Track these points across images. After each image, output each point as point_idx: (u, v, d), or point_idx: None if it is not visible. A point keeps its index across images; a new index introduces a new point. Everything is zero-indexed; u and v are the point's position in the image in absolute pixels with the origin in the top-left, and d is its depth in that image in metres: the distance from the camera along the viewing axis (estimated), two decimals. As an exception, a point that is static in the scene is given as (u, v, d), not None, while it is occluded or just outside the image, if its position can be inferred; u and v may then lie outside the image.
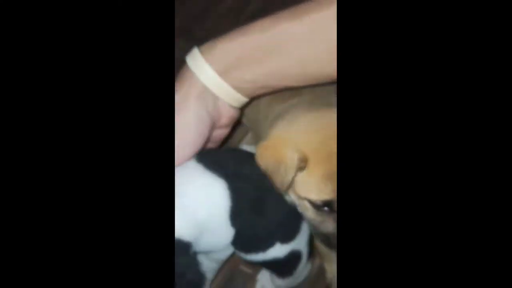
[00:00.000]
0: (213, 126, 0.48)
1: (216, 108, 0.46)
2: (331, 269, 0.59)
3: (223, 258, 0.55)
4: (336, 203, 0.45)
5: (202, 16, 0.84)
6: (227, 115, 0.48)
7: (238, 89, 0.46)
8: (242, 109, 0.51)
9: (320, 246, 0.56)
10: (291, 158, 0.45)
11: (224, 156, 0.50)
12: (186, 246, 0.45)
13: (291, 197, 0.48)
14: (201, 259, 0.56)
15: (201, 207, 0.46)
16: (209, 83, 0.45)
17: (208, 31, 0.82)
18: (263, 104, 0.55)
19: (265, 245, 0.49)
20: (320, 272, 0.62)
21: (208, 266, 0.57)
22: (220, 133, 0.52)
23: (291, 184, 0.46)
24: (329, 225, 0.47)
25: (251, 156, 0.50)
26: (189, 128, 0.45)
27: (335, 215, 0.46)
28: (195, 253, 0.47)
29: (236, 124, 0.54)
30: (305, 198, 0.46)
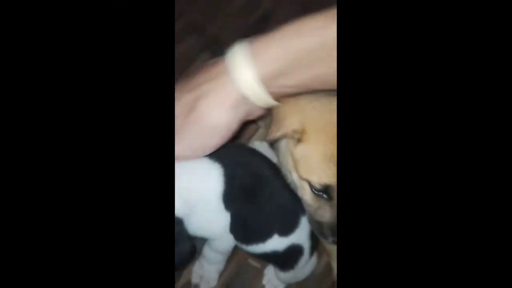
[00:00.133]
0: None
1: (247, 113, 0.45)
2: (338, 267, 0.60)
3: (226, 249, 0.56)
4: (335, 191, 0.46)
5: (214, 13, 0.84)
6: (254, 115, 0.47)
7: (277, 95, 0.43)
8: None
9: (327, 244, 0.56)
10: (289, 124, 0.46)
11: (225, 146, 0.51)
12: (177, 220, 0.46)
13: (293, 176, 0.49)
14: (206, 251, 0.57)
15: (194, 187, 0.47)
16: (250, 93, 0.42)
17: (220, 28, 0.83)
18: None
19: (263, 236, 0.50)
20: (327, 269, 0.62)
21: (213, 257, 0.58)
22: None
23: (295, 164, 0.47)
24: (325, 214, 0.48)
25: (252, 150, 0.51)
26: (217, 135, 0.44)
27: (332, 203, 0.47)
28: (186, 229, 0.48)
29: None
30: (306, 179, 0.47)
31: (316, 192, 0.47)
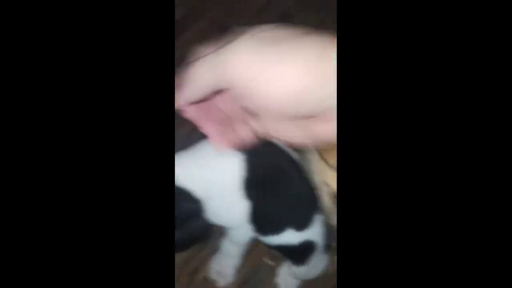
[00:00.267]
0: None
1: None
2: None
3: (243, 241, 0.57)
4: None
5: (238, 12, 0.85)
6: None
7: None
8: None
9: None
10: None
11: None
12: (196, 200, 0.48)
13: (315, 177, 0.49)
14: (223, 244, 0.59)
15: (215, 171, 0.49)
16: None
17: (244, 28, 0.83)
18: None
19: (279, 228, 0.51)
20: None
21: (230, 250, 0.59)
22: None
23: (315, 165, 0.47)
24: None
25: (272, 142, 0.52)
26: None
27: None
28: (202, 209, 0.49)
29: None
30: (324, 182, 0.47)
31: (332, 196, 0.47)
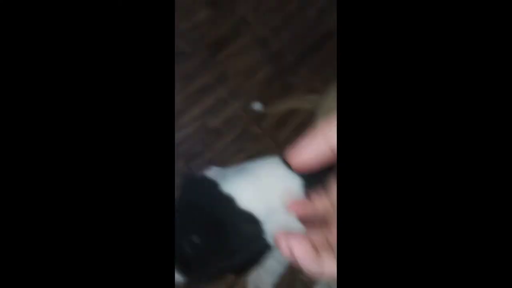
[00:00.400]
0: None
1: None
2: None
3: (285, 261, 0.59)
4: None
5: (279, 28, 0.86)
6: None
7: None
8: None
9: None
10: None
11: None
12: (257, 221, 0.49)
13: None
14: (268, 261, 0.60)
15: (276, 194, 0.50)
16: None
17: (284, 44, 0.85)
18: None
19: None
20: None
21: (274, 268, 0.61)
22: None
23: None
24: None
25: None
26: None
27: None
28: (262, 230, 0.51)
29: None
30: None
31: None
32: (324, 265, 0.32)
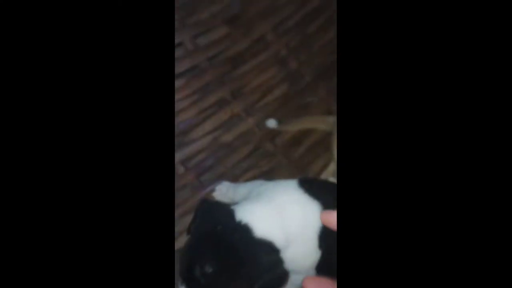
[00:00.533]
0: None
1: None
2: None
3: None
4: None
5: (298, 47, 0.86)
6: None
7: None
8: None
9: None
10: None
11: (320, 185, 0.55)
12: (277, 249, 0.48)
13: None
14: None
15: (295, 220, 0.50)
16: None
17: (302, 64, 0.85)
18: None
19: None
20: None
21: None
22: None
23: None
24: None
25: None
26: None
27: None
28: (281, 259, 0.50)
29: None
30: None
31: None
32: None
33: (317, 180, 0.71)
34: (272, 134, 0.79)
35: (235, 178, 0.74)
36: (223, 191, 0.68)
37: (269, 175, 0.75)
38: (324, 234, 0.49)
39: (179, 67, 0.75)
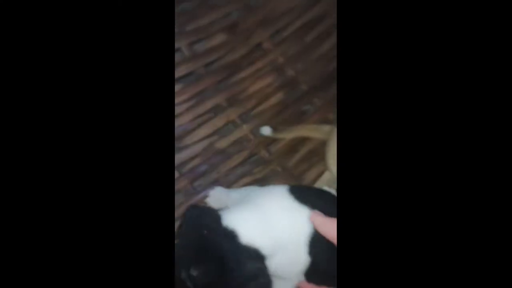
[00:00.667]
0: None
1: None
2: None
3: None
4: None
5: (295, 56, 0.87)
6: None
7: None
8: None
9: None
10: None
11: (312, 192, 0.54)
12: (262, 256, 0.48)
13: None
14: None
15: (284, 227, 0.49)
16: None
17: (299, 73, 0.85)
18: None
19: (334, 283, 0.49)
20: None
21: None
22: None
23: None
24: None
25: (333, 196, 0.54)
26: None
27: None
28: (267, 267, 0.49)
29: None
30: None
31: None
32: None
33: (309, 187, 0.70)
34: (267, 142, 0.79)
35: (229, 185, 0.74)
36: (216, 197, 0.68)
37: (264, 182, 0.75)
38: (314, 240, 0.49)
39: (176, 73, 0.76)
